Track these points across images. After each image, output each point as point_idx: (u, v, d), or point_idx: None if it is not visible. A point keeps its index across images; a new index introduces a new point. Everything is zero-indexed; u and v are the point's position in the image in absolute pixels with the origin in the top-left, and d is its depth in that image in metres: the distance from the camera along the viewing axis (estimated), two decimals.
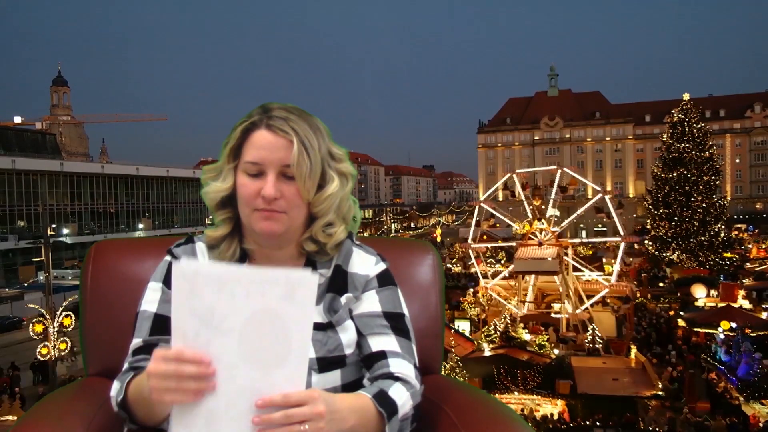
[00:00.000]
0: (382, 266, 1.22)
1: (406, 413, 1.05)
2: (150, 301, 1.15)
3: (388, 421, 1.01)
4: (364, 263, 1.21)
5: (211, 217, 1.23)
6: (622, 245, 23.95)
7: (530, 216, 24.96)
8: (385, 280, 1.21)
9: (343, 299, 1.17)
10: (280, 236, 1.14)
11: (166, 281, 1.16)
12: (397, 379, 1.09)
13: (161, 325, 1.12)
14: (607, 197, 24.36)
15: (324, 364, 1.11)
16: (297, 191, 1.11)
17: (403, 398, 1.05)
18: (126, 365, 1.11)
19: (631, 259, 25.64)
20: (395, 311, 1.18)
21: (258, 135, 1.11)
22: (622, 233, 23.82)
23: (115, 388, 1.07)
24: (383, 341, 1.15)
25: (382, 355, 1.13)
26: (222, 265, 1.05)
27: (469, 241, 26.93)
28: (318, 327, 1.13)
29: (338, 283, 1.18)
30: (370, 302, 1.18)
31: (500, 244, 30.42)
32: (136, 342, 1.13)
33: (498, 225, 35.42)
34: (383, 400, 1.02)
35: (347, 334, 1.15)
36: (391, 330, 1.16)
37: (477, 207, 27.33)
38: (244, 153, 1.12)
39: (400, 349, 1.14)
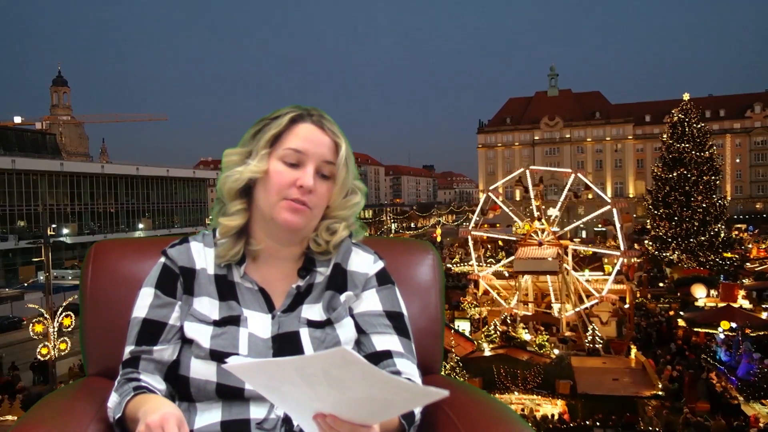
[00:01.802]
0: (380, 264, 1.24)
1: (416, 420, 1.08)
2: (141, 307, 1.16)
3: (408, 431, 1.04)
4: (362, 262, 1.22)
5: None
6: (620, 260, 23.48)
7: (535, 214, 24.79)
8: (383, 279, 1.22)
9: (343, 297, 1.18)
10: (299, 231, 1.15)
11: (159, 285, 1.16)
12: None
13: (149, 330, 1.13)
14: (614, 210, 23.75)
15: None
16: (327, 192, 1.13)
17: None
18: (119, 377, 1.12)
19: (633, 267, 25.16)
20: (395, 310, 1.20)
21: (305, 127, 1.14)
22: (622, 248, 23.40)
23: (113, 401, 1.07)
24: (387, 341, 1.16)
25: (387, 354, 1.15)
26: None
27: (470, 226, 26.73)
28: (317, 324, 1.15)
29: (337, 281, 1.19)
30: (371, 301, 1.20)
31: (500, 235, 30.33)
32: (126, 353, 1.14)
33: (498, 225, 35.38)
34: (406, 413, 1.04)
35: (345, 332, 1.16)
36: (393, 330, 1.17)
37: (485, 195, 27.05)
38: (285, 140, 1.13)
39: (402, 349, 1.16)
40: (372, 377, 0.82)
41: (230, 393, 1.08)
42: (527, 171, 26.52)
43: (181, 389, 1.13)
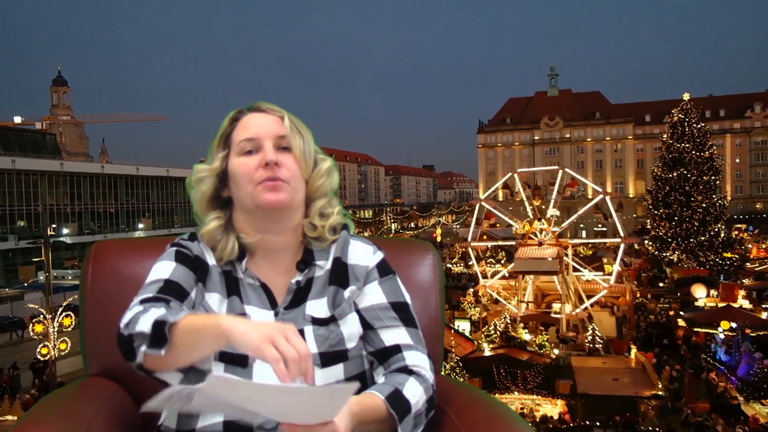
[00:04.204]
0: (379, 255, 1.23)
1: (419, 409, 1.06)
2: (161, 272, 1.13)
3: (400, 422, 1.02)
4: (362, 254, 1.22)
5: None
6: (622, 246, 24.05)
7: (531, 216, 24.94)
8: (384, 270, 1.22)
9: (347, 292, 1.17)
10: (285, 208, 1.14)
11: (179, 261, 1.15)
12: (411, 373, 1.10)
13: (173, 288, 1.10)
14: (607, 198, 24.33)
15: (326, 358, 1.11)
16: (295, 162, 1.14)
17: (417, 395, 1.06)
18: (137, 304, 1.05)
19: (632, 259, 25.67)
20: (400, 300, 1.19)
21: (247, 117, 1.17)
22: (622, 234, 23.82)
23: (155, 312, 0.98)
24: (395, 334, 1.15)
25: (397, 349, 1.14)
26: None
27: (469, 240, 26.90)
28: (320, 322, 1.14)
29: (339, 275, 1.19)
30: (375, 294, 1.19)
31: (500, 243, 30.39)
32: (141, 296, 1.07)
33: (498, 225, 35.39)
34: (396, 401, 1.03)
35: (349, 328, 1.15)
36: (400, 321, 1.17)
37: (477, 206, 27.24)
38: (235, 137, 1.16)
39: (411, 340, 1.16)
40: (270, 391, 0.84)
41: None
42: (515, 175, 26.99)
43: None
